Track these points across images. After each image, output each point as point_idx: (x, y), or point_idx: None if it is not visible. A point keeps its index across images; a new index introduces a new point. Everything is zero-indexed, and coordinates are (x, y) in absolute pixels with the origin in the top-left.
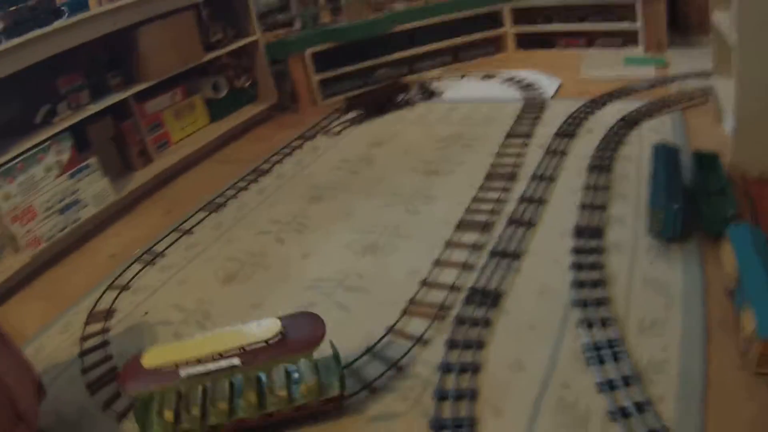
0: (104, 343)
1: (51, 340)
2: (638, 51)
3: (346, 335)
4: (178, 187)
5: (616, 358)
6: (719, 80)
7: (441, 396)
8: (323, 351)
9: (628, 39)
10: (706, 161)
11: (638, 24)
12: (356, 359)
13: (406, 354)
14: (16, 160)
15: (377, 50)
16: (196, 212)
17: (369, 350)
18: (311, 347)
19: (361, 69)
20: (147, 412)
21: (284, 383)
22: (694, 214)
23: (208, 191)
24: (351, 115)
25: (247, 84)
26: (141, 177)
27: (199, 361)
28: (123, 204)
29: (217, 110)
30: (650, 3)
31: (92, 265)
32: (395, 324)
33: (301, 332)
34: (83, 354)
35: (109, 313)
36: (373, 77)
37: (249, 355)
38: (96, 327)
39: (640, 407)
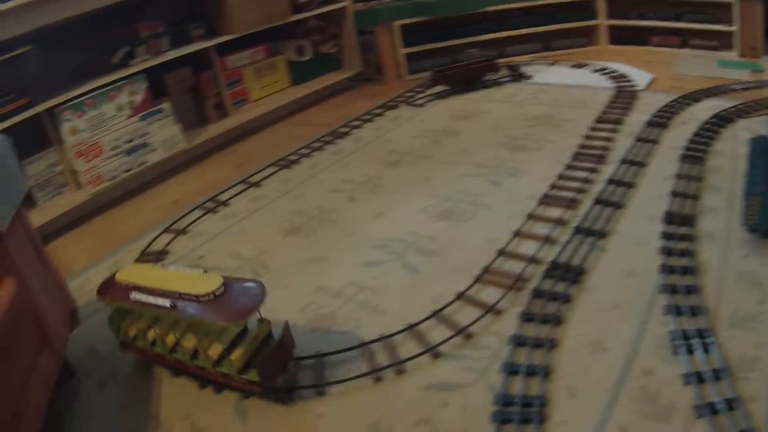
0: None
1: (98, 276)
2: (732, 55)
3: (414, 297)
4: (251, 143)
5: (705, 349)
6: None
7: (511, 370)
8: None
9: (723, 43)
10: None
11: (734, 27)
12: (421, 321)
13: (475, 321)
14: (88, 96)
15: (466, 30)
16: (267, 167)
17: (436, 313)
18: (232, 319)
19: (448, 47)
20: (120, 321)
21: (223, 343)
22: None
23: (281, 150)
24: (436, 89)
25: (333, 50)
26: (214, 130)
27: (148, 292)
28: (193, 154)
29: (299, 74)
30: (748, 4)
31: (153, 209)
32: (467, 290)
33: (240, 301)
34: None
35: (161, 255)
36: (462, 56)
37: (181, 302)
38: None
39: (730, 404)
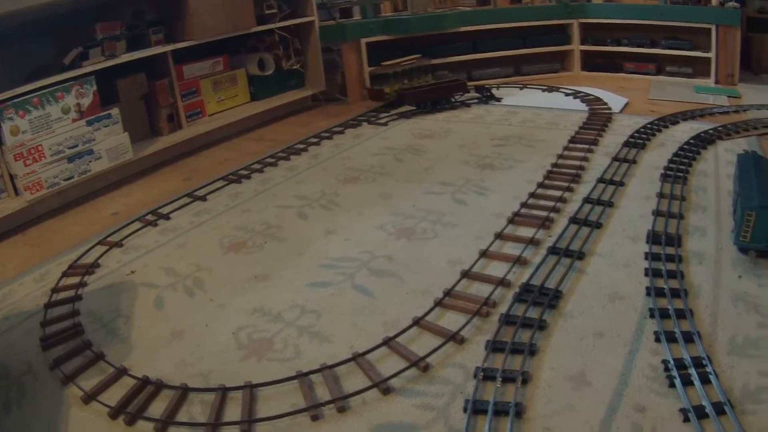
0: (75, 298)
1: (23, 288)
2: (708, 82)
3: (364, 322)
4: (203, 158)
5: (704, 380)
6: None
7: (476, 409)
8: None
9: (698, 70)
10: None
11: (711, 53)
12: (370, 350)
13: (434, 351)
14: (33, 95)
15: (437, 52)
16: (215, 181)
17: (388, 341)
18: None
19: (417, 68)
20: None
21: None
22: None
23: (233, 165)
24: (401, 109)
25: (296, 67)
26: (165, 142)
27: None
28: (141, 166)
29: (259, 89)
30: (726, 31)
31: (92, 220)
32: (425, 315)
33: None
34: (49, 306)
35: (91, 268)
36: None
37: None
38: (73, 280)
39: None
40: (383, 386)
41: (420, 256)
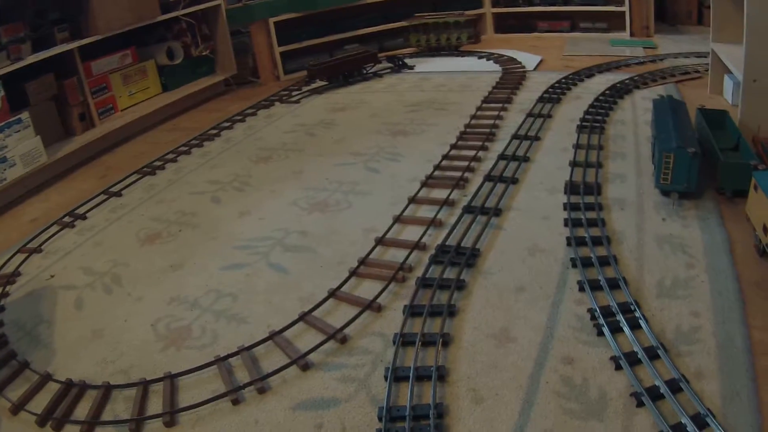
0: None
1: None
2: (624, 35)
3: (280, 300)
4: (118, 154)
5: (633, 326)
6: (720, 46)
7: (397, 376)
8: None
9: (613, 24)
10: (714, 118)
11: (625, 6)
12: (286, 328)
13: (350, 322)
14: None
15: (346, 25)
16: (130, 175)
17: (303, 317)
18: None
19: (326, 43)
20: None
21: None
22: (705, 171)
23: (148, 158)
24: (313, 86)
25: (205, 53)
26: (79, 141)
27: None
28: (58, 169)
29: (170, 79)
30: None
31: (10, 229)
32: (340, 287)
33: None
34: None
35: (12, 277)
36: (341, 52)
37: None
38: None
39: (674, 386)
40: (302, 362)
41: (334, 228)
